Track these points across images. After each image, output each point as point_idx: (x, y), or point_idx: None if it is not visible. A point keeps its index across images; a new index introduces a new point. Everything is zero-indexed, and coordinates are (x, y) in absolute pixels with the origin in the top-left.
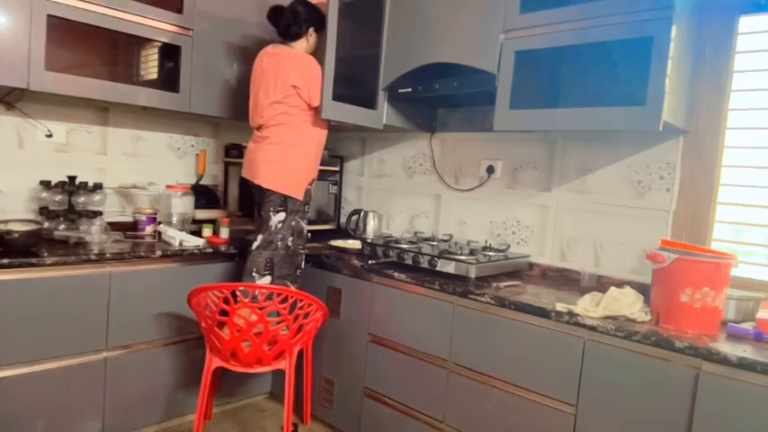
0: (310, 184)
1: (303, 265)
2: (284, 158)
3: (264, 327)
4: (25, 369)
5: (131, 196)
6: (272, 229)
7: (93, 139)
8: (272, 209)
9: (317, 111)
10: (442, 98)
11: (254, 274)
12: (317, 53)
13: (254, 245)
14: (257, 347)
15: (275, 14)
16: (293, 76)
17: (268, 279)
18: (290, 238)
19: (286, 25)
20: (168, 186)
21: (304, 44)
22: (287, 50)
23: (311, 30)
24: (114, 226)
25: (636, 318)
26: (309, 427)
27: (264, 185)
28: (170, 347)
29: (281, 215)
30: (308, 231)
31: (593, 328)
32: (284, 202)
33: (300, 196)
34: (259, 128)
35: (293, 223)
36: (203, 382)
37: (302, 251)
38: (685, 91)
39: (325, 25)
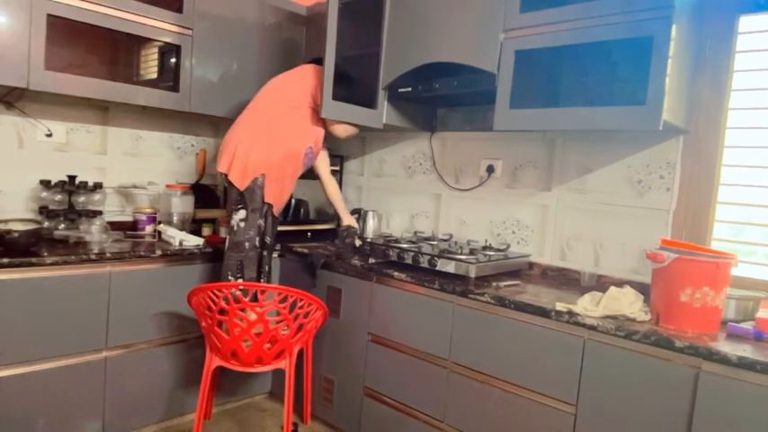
0: (258, 180)
1: (267, 268)
2: (237, 147)
3: (264, 326)
4: (25, 369)
5: (131, 196)
6: (235, 228)
7: (93, 139)
8: (233, 206)
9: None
10: (441, 98)
11: (229, 276)
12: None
13: (226, 245)
14: (257, 347)
15: None
16: (309, 78)
17: (239, 281)
18: (257, 239)
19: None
20: (168, 186)
21: None
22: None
23: None
24: (114, 225)
25: (636, 317)
26: (309, 427)
27: (217, 168)
28: (170, 347)
29: (242, 213)
30: (269, 235)
31: (593, 328)
32: (242, 198)
33: (240, 186)
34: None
35: (259, 221)
36: (203, 381)
37: (263, 252)
38: (685, 91)
39: None
